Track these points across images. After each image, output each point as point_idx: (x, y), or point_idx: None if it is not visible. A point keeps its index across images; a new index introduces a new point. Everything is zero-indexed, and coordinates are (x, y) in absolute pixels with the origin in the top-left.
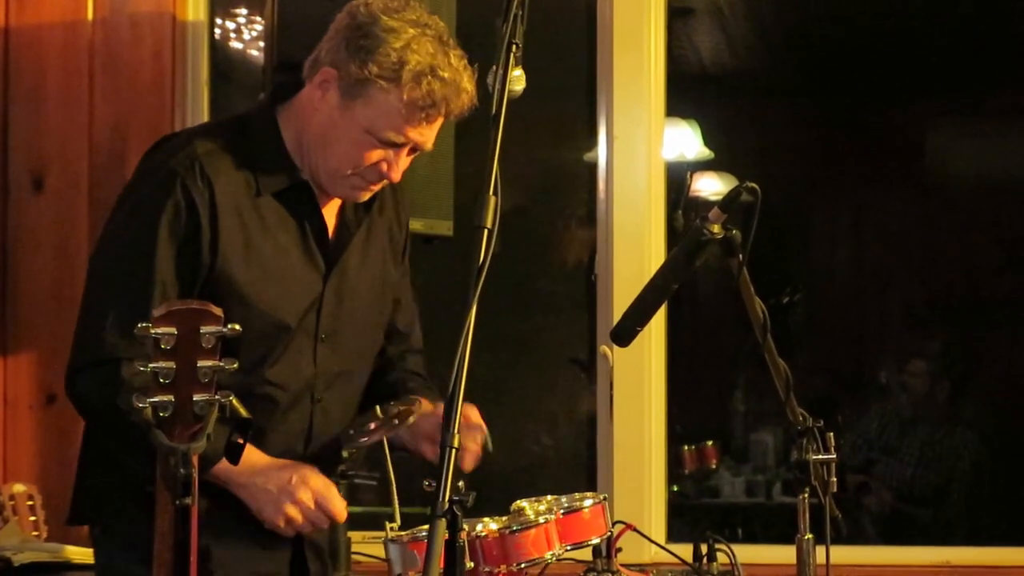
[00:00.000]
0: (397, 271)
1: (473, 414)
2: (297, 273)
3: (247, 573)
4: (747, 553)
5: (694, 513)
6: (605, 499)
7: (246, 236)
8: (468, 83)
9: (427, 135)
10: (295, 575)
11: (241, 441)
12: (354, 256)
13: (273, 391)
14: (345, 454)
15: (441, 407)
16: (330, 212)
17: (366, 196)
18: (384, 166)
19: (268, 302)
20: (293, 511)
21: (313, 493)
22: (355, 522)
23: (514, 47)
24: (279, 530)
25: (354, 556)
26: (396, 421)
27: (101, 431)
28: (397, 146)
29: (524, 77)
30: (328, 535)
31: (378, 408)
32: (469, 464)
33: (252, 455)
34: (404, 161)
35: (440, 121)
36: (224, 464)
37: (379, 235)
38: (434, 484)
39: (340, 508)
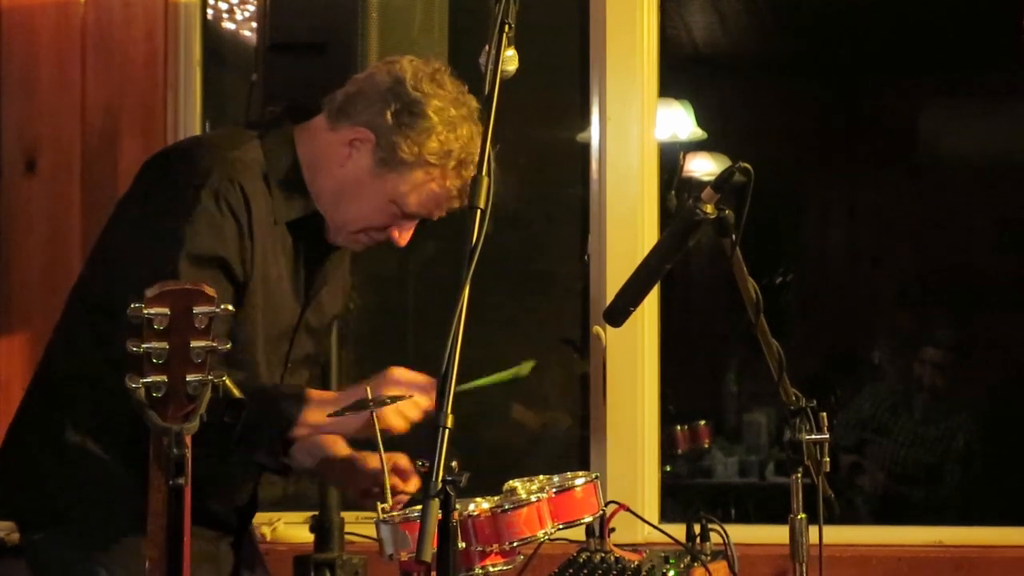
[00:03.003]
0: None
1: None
2: (287, 301)
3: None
4: (740, 533)
5: (687, 493)
6: (597, 478)
7: (264, 260)
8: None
9: (444, 212)
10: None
11: (234, 422)
12: (327, 287)
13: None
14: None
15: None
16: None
17: (361, 248)
18: (395, 232)
19: (265, 322)
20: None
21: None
22: (347, 503)
23: (507, 27)
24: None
25: (346, 536)
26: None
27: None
28: (415, 219)
29: (517, 57)
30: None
31: (368, 390)
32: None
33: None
34: (412, 229)
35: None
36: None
37: (343, 260)
38: (427, 464)
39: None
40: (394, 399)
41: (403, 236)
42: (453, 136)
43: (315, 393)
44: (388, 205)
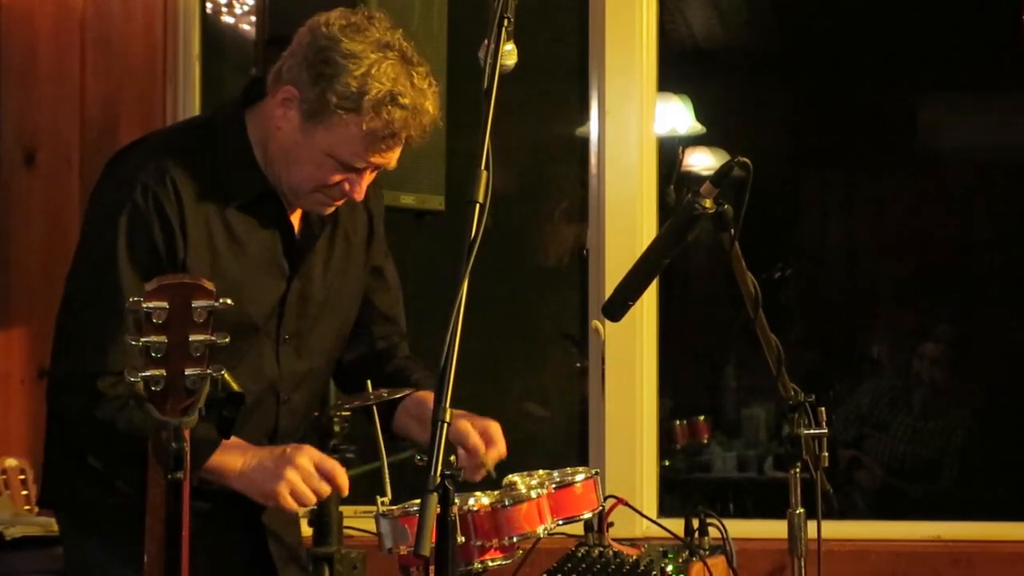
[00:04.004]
0: (366, 266)
1: (496, 431)
2: (260, 279)
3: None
4: (738, 528)
5: (686, 488)
6: (597, 474)
7: (213, 246)
8: (431, 105)
9: (389, 158)
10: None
11: (232, 416)
12: (318, 258)
13: None
14: (336, 428)
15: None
16: (295, 215)
17: (330, 210)
18: (346, 185)
19: (231, 307)
20: (294, 476)
21: (311, 459)
22: (346, 497)
23: (506, 21)
24: (283, 503)
25: (345, 530)
26: (385, 394)
27: (85, 443)
28: (358, 170)
29: (516, 52)
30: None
31: (369, 384)
32: (477, 476)
33: (237, 443)
34: (367, 179)
35: (400, 146)
36: (215, 456)
37: (346, 231)
38: (425, 459)
39: (341, 472)
40: (392, 395)
41: (355, 189)
42: (369, 77)
43: (233, 441)
44: (325, 159)
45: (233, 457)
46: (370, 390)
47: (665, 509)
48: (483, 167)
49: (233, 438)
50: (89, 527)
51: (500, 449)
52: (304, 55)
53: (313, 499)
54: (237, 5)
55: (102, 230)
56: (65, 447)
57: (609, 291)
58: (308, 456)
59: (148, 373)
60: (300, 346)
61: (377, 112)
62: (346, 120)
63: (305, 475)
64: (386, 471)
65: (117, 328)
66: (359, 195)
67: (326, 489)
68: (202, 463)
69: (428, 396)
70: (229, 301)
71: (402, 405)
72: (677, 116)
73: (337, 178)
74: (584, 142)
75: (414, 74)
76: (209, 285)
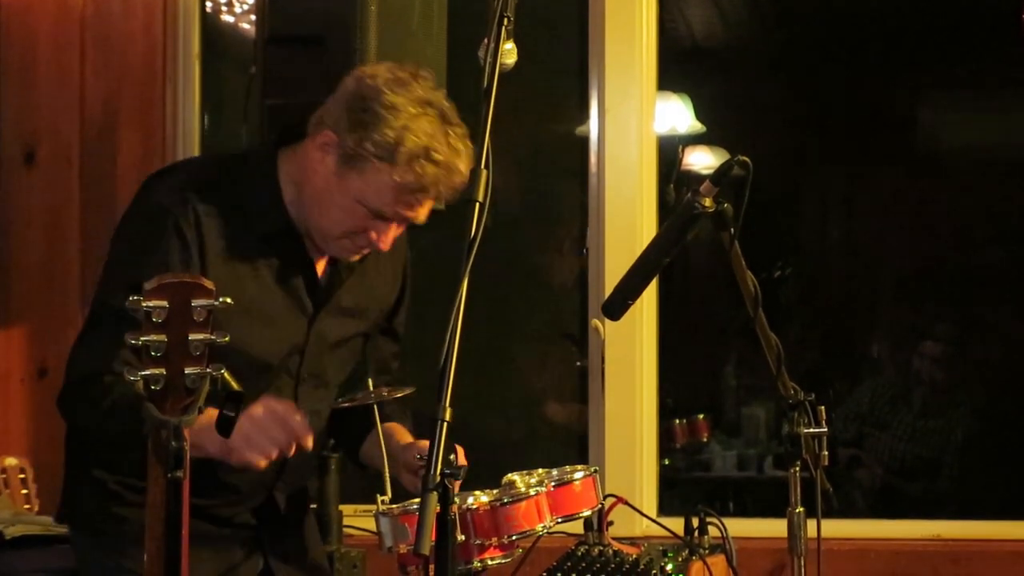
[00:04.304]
0: (383, 316)
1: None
2: (282, 316)
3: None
4: (738, 526)
5: (685, 487)
6: (596, 471)
7: (233, 277)
8: (463, 164)
9: (418, 212)
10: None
11: (232, 414)
12: (346, 293)
13: None
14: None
15: (423, 442)
16: (322, 257)
17: (356, 257)
18: (373, 234)
19: (250, 343)
20: (250, 427)
21: (266, 407)
22: (346, 496)
23: (506, 20)
24: (243, 457)
25: (345, 529)
26: (385, 393)
27: (96, 443)
28: (387, 219)
29: (516, 50)
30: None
31: (370, 382)
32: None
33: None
34: (394, 231)
35: (431, 202)
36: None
37: (381, 267)
38: (425, 458)
39: (300, 421)
40: (392, 395)
41: (382, 239)
42: (407, 130)
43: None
44: (355, 206)
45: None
46: (371, 387)
47: (665, 508)
48: (483, 166)
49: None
50: (97, 538)
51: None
52: (347, 102)
53: (272, 450)
54: (237, 4)
55: (124, 251)
56: (74, 457)
57: (609, 290)
58: (263, 405)
59: (148, 372)
60: (317, 384)
61: (410, 165)
62: (380, 169)
63: (260, 425)
64: (386, 470)
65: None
66: (385, 245)
67: (281, 437)
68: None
69: (396, 428)
70: (229, 300)
71: (369, 437)
72: (677, 115)
73: (365, 225)
74: (584, 141)
75: (451, 133)
76: (209, 284)
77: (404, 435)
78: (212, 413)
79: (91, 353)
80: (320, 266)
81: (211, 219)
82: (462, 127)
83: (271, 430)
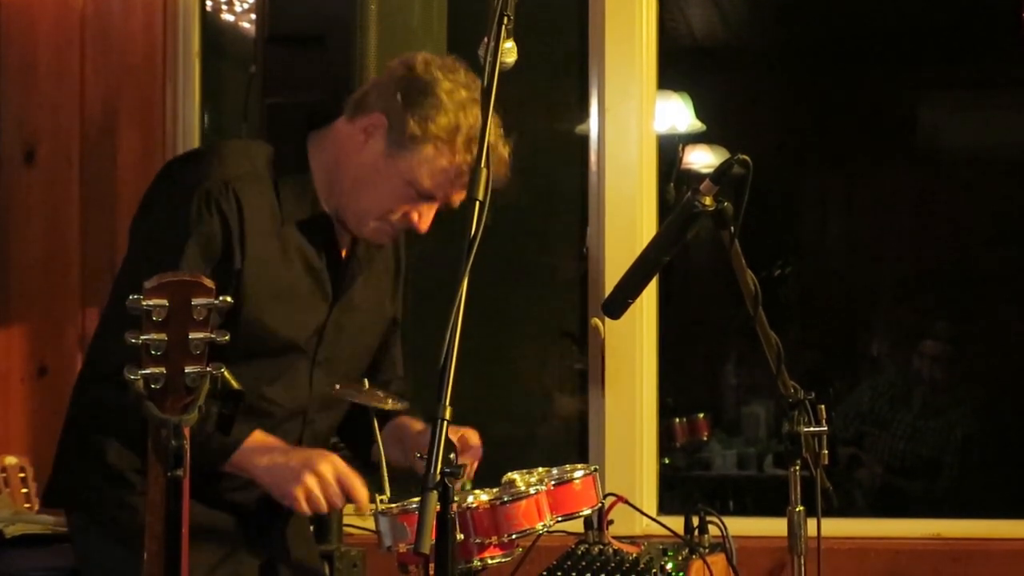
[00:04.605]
0: (396, 294)
1: (473, 437)
2: (307, 299)
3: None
4: (738, 525)
5: (685, 485)
6: (596, 470)
7: (267, 260)
8: (506, 152)
9: (461, 196)
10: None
11: (230, 413)
12: (359, 287)
13: (269, 406)
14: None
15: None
16: (344, 243)
17: (387, 240)
18: (415, 216)
19: (279, 323)
20: (312, 482)
21: (334, 468)
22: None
23: (506, 19)
24: (297, 506)
25: (345, 528)
26: (380, 394)
27: (115, 434)
28: (433, 200)
29: (516, 49)
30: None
31: (366, 381)
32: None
33: (268, 438)
34: (432, 214)
35: None
36: (242, 451)
37: (383, 259)
38: (425, 456)
39: (360, 486)
40: (384, 399)
41: (423, 220)
42: (462, 114)
43: (257, 438)
44: (404, 187)
45: (260, 454)
46: (366, 385)
47: (665, 507)
48: (483, 165)
49: (262, 434)
50: (106, 526)
51: (476, 454)
52: (399, 87)
53: (326, 508)
54: (237, 3)
55: (162, 231)
56: (85, 445)
57: (609, 289)
58: (331, 465)
59: (148, 371)
60: (331, 371)
61: (469, 148)
62: (439, 151)
63: (323, 483)
64: (384, 469)
65: None
66: (424, 226)
67: (340, 501)
68: (227, 457)
69: (408, 420)
70: (228, 299)
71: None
72: (677, 114)
73: (408, 208)
74: (584, 139)
75: (498, 121)
76: (209, 283)
77: (416, 423)
78: (260, 437)
79: (116, 346)
80: (343, 252)
81: (248, 200)
82: (498, 118)
83: (329, 489)
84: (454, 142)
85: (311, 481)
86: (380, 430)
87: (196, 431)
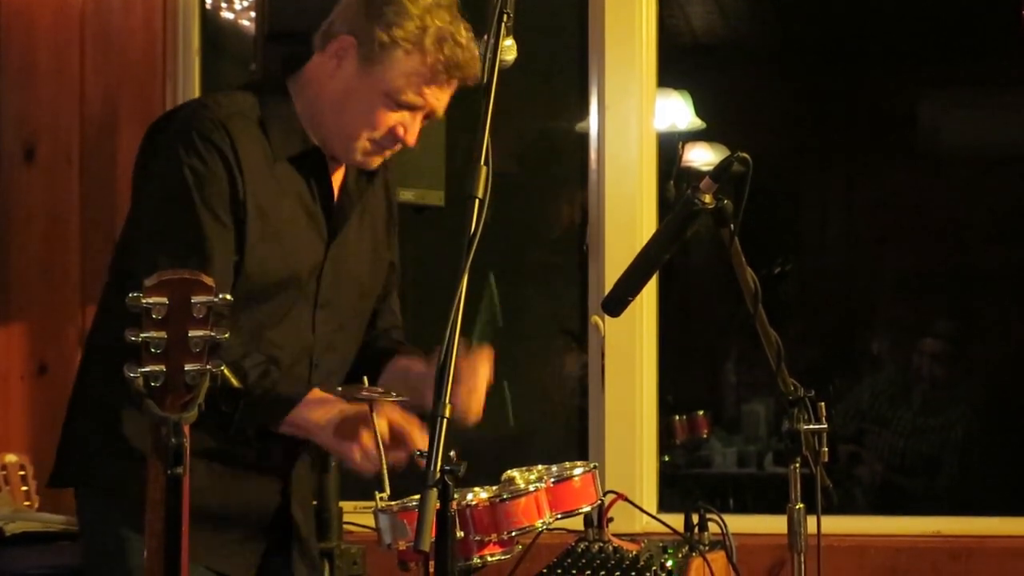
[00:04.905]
0: (391, 241)
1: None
2: (304, 238)
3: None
4: (738, 523)
5: (685, 483)
6: (595, 467)
7: (264, 197)
8: (478, 52)
9: (443, 99)
10: (278, 522)
11: (230, 411)
12: (353, 227)
13: (275, 351)
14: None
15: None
16: (335, 181)
17: (378, 162)
18: (400, 130)
19: (280, 260)
20: (369, 439)
21: (389, 421)
22: (346, 493)
23: (505, 16)
24: (354, 465)
25: (345, 526)
26: (380, 390)
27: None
28: (414, 109)
29: (515, 46)
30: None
31: (365, 380)
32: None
33: (320, 397)
34: (418, 125)
35: (455, 86)
36: (298, 410)
37: (376, 205)
38: (425, 455)
39: (416, 430)
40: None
41: (409, 133)
42: (428, 16)
43: (315, 395)
44: (383, 99)
45: (315, 412)
46: (366, 384)
47: (665, 504)
48: (483, 162)
49: (318, 391)
50: (116, 498)
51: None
52: (362, 4)
53: (376, 466)
54: (236, 1)
55: (166, 178)
56: (99, 415)
57: (609, 286)
58: (386, 419)
59: (147, 369)
60: (332, 313)
61: (439, 46)
62: (410, 54)
63: (380, 435)
64: (384, 467)
65: (202, 266)
66: (412, 139)
67: (398, 456)
68: (282, 416)
69: (408, 360)
70: (228, 296)
71: (385, 372)
72: (677, 112)
73: (391, 121)
74: (584, 137)
75: (462, 25)
76: (209, 280)
77: (418, 363)
78: (319, 393)
79: None
80: (334, 191)
81: (243, 143)
82: (466, 23)
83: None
84: (422, 43)
85: (368, 439)
86: (382, 369)
87: (255, 385)
